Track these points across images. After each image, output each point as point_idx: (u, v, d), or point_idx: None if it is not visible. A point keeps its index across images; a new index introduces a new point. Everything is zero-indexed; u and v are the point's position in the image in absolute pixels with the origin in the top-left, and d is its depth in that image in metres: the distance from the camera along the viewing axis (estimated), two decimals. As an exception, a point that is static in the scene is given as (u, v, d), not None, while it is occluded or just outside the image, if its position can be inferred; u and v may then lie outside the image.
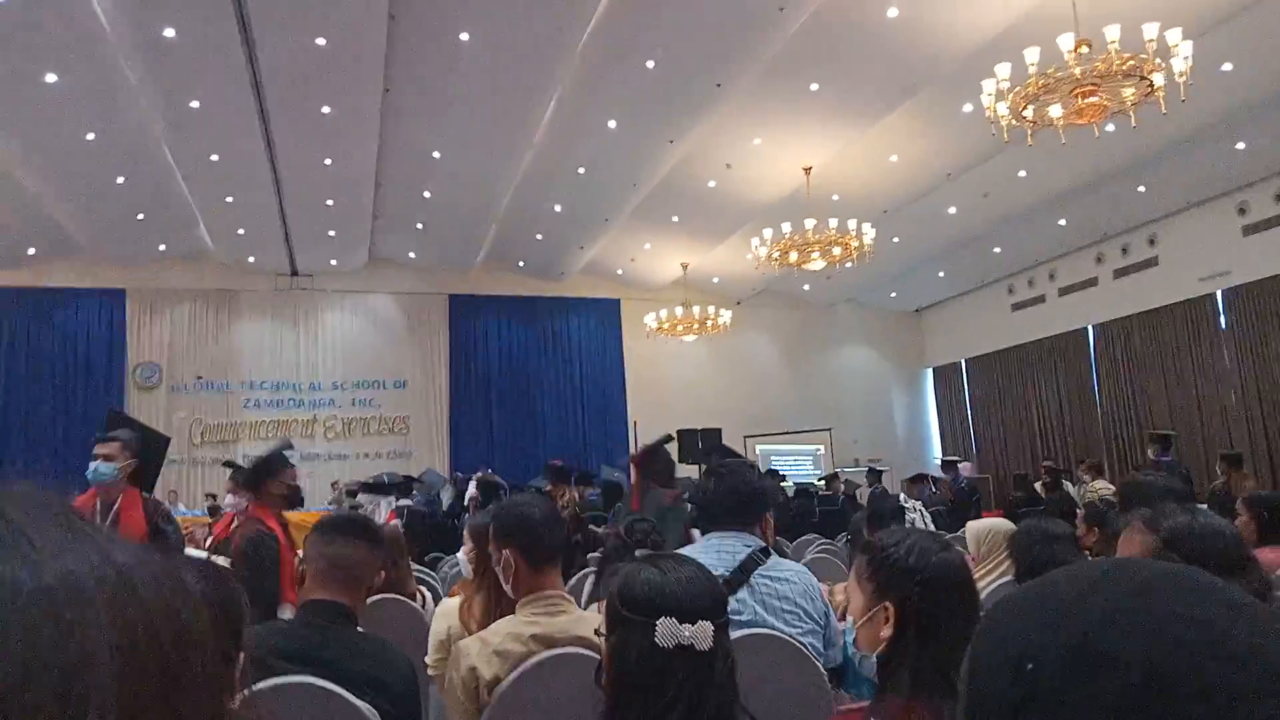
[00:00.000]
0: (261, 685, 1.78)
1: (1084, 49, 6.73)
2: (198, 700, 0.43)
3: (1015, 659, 0.50)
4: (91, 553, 0.42)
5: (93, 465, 3.88)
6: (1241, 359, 12.62)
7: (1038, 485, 10.07)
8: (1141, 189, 12.57)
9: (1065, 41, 6.74)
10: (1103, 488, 9.51)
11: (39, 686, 0.37)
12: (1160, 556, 1.74)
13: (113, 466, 3.87)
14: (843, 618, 2.32)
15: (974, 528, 3.44)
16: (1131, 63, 6.64)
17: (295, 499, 4.20)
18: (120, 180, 11.74)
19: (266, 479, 3.90)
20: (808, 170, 11.83)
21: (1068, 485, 10.11)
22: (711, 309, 15.32)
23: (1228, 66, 9.23)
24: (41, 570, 0.40)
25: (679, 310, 15.24)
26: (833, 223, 11.32)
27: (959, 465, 11.82)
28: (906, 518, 2.68)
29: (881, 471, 11.94)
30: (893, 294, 18.37)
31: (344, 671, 1.89)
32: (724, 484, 2.53)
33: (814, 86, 10.02)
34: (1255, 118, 10.44)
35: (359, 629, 2.07)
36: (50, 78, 9.19)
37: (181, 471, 15.09)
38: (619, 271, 16.96)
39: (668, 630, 1.27)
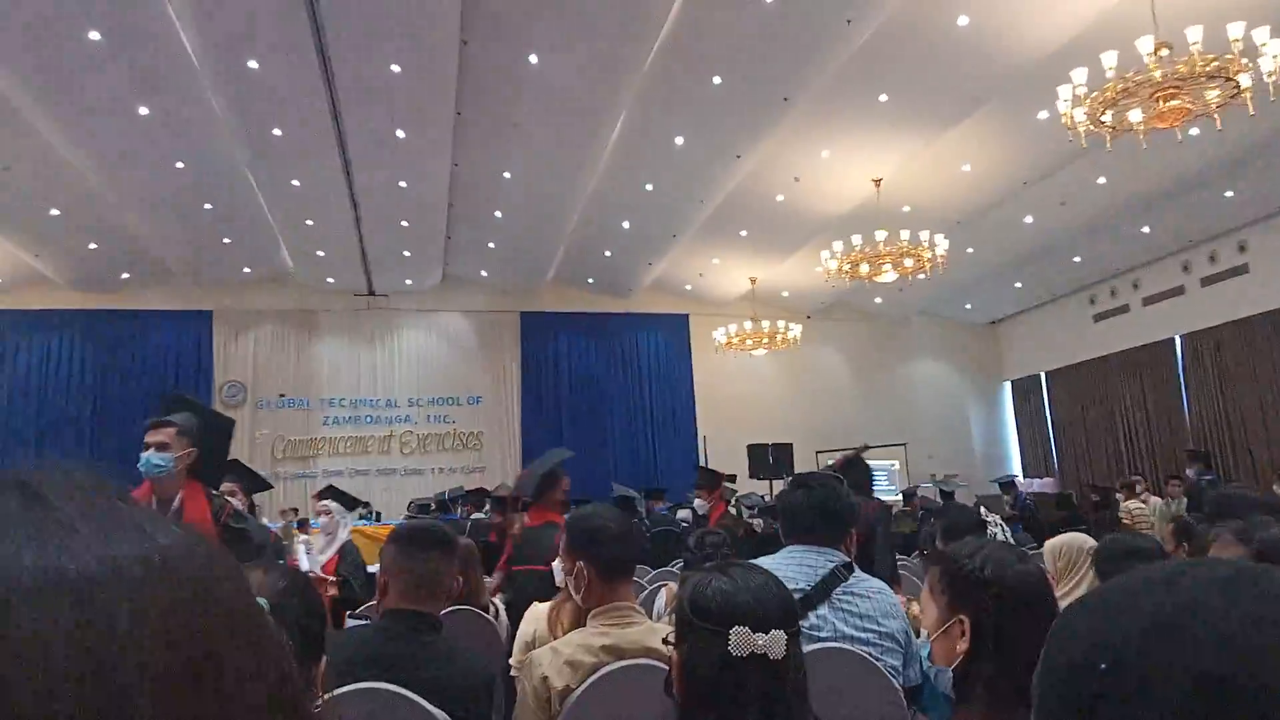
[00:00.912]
0: (341, 690, 1.83)
1: (1164, 51, 6.53)
2: (254, 701, 0.40)
3: (1088, 658, 0.49)
4: (138, 539, 0.39)
5: (144, 455, 3.23)
6: (1342, 369, 12.02)
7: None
8: (1229, 194, 12.09)
9: (1144, 44, 6.55)
10: (1136, 508, 9.21)
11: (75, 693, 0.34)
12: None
13: (167, 457, 3.21)
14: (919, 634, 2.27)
15: (1051, 543, 3.34)
16: (1216, 64, 6.42)
17: (567, 503, 4.46)
18: (208, 206, 12.24)
19: (551, 489, 4.35)
20: (877, 182, 11.69)
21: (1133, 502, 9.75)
22: (781, 323, 15.21)
23: (1321, 64, 8.83)
24: (79, 557, 0.37)
25: (748, 325, 15.17)
26: (904, 234, 11.15)
27: (1016, 481, 11.46)
28: (988, 531, 2.61)
29: (953, 491, 11.65)
30: (967, 306, 17.98)
31: (424, 679, 1.93)
32: (814, 496, 2.49)
33: (883, 97, 9.91)
34: (1352, 116, 9.96)
35: (442, 637, 2.11)
36: (143, 110, 9.64)
37: (265, 487, 15.52)
38: (687, 287, 16.97)
39: (742, 639, 1.27)
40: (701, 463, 16.64)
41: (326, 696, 1.24)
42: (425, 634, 2.05)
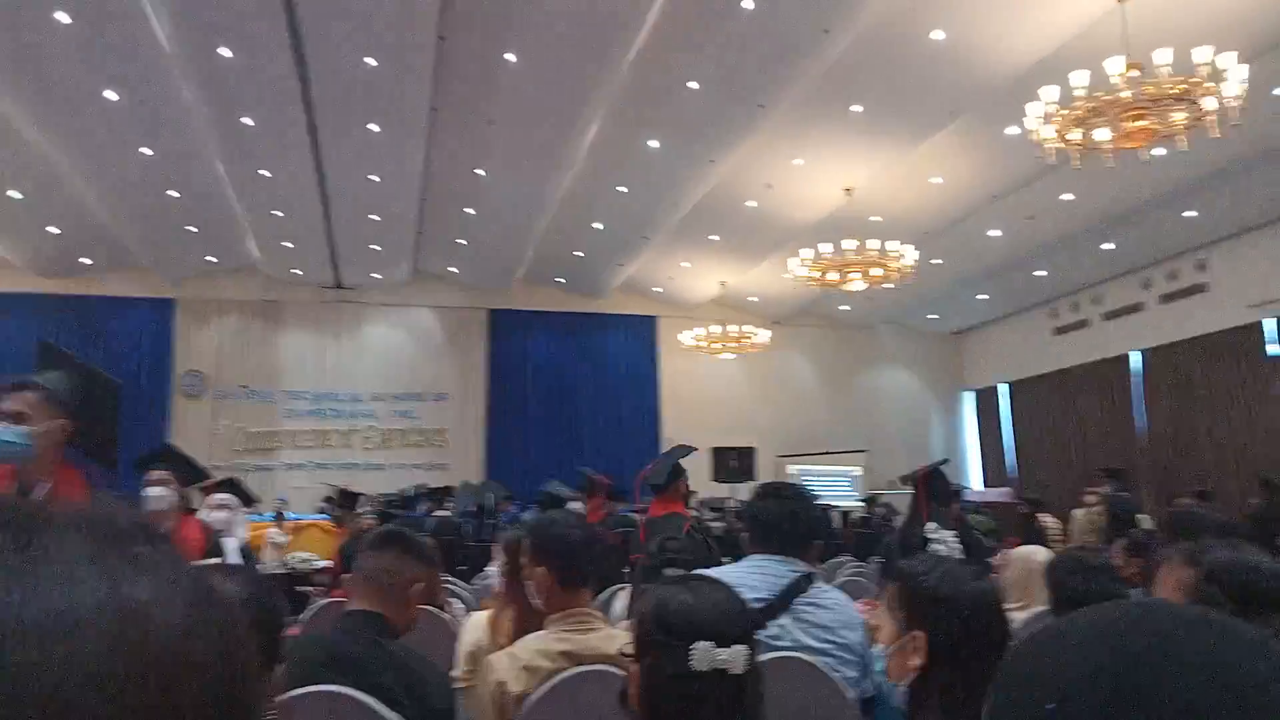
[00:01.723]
0: (296, 693, 1.81)
1: (1134, 72, 6.66)
2: None
3: (1036, 699, 0.50)
4: (101, 585, 0.36)
5: None
6: (1293, 389, 12.31)
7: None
8: (1191, 214, 12.34)
9: (1114, 65, 6.67)
10: (1052, 523, 9.44)
11: None
12: (1201, 590, 1.71)
13: (23, 431, 2.30)
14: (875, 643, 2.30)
15: (1011, 557, 3.40)
16: (1183, 86, 6.55)
17: (688, 496, 4.74)
18: (174, 194, 12.05)
19: (677, 480, 4.63)
20: (849, 191, 11.79)
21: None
22: (749, 328, 15.30)
23: (1281, 91, 9.05)
24: (20, 605, 0.34)
25: (716, 328, 15.24)
26: (873, 244, 11.26)
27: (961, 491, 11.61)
28: (931, 548, 2.65)
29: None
30: (932, 316, 18.19)
31: (379, 682, 1.92)
32: (786, 507, 2.50)
33: (857, 108, 10.00)
34: (1309, 143, 10.21)
35: (398, 641, 2.10)
36: (110, 95, 9.48)
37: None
38: (657, 289, 17.00)
39: (703, 654, 1.28)
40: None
41: (280, 699, 1.23)
42: (383, 637, 2.04)
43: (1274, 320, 12.60)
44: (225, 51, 8.55)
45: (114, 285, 15.22)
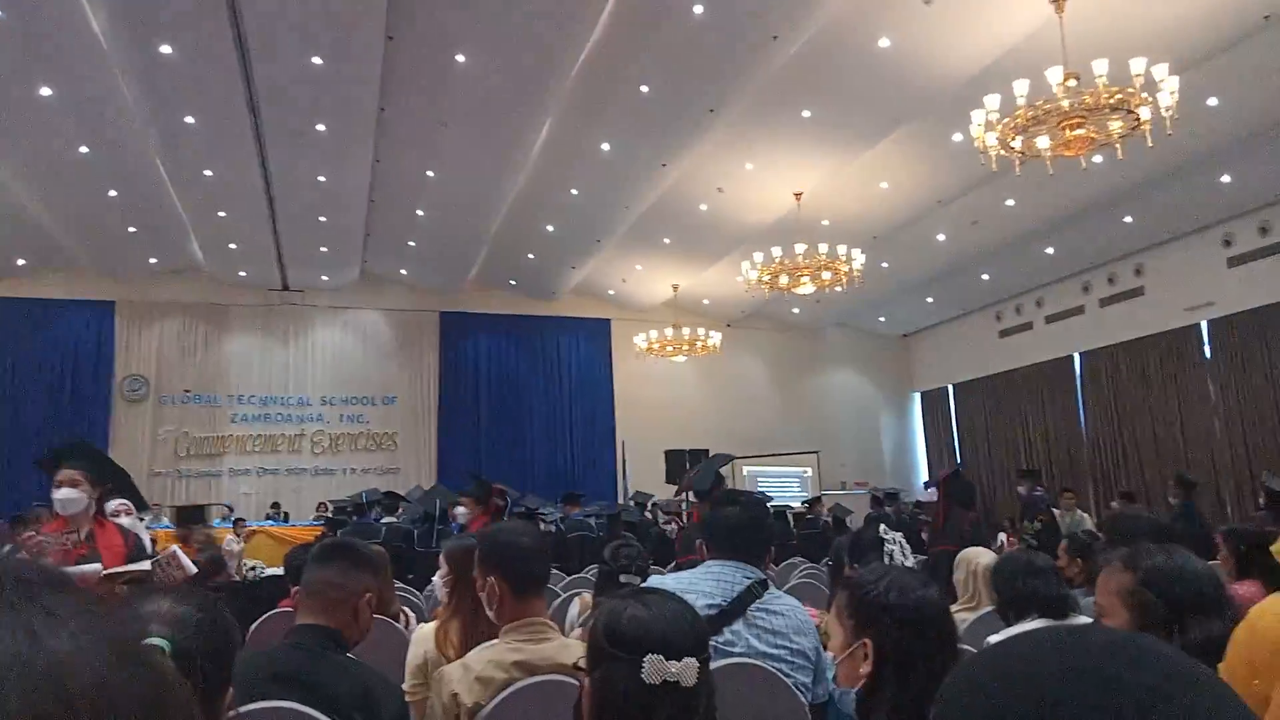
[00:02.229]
0: (247, 709, 1.78)
1: (1072, 82, 6.83)
2: None
3: None
4: (19, 638, 0.36)
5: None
6: (1225, 389, 12.73)
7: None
8: (1128, 219, 12.70)
9: (1054, 74, 6.84)
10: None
11: None
12: (1137, 595, 1.77)
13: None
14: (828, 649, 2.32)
15: (958, 559, 3.46)
16: (1119, 96, 6.74)
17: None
18: (113, 194, 11.74)
19: (718, 486, 4.79)
20: (799, 195, 11.92)
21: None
22: (701, 330, 15.38)
23: (1213, 101, 9.37)
24: None
25: (669, 331, 15.29)
26: (823, 248, 11.40)
27: (899, 493, 11.93)
28: (885, 549, 2.71)
29: (894, 493, 11.99)
30: (881, 319, 18.47)
31: (330, 697, 1.89)
32: (747, 514, 2.51)
33: (806, 113, 10.12)
34: (1240, 152, 10.58)
35: (349, 655, 2.07)
36: (45, 91, 9.21)
37: (167, 484, 15.01)
38: (610, 292, 17.01)
39: (655, 667, 1.28)
40: (619, 468, 16.71)
41: (230, 715, 1.21)
42: (333, 650, 2.01)
43: (1207, 323, 13.02)
44: (166, 49, 8.36)
45: (51, 287, 14.78)
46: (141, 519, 7.09)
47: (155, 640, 1.05)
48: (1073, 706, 0.49)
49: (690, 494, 6.05)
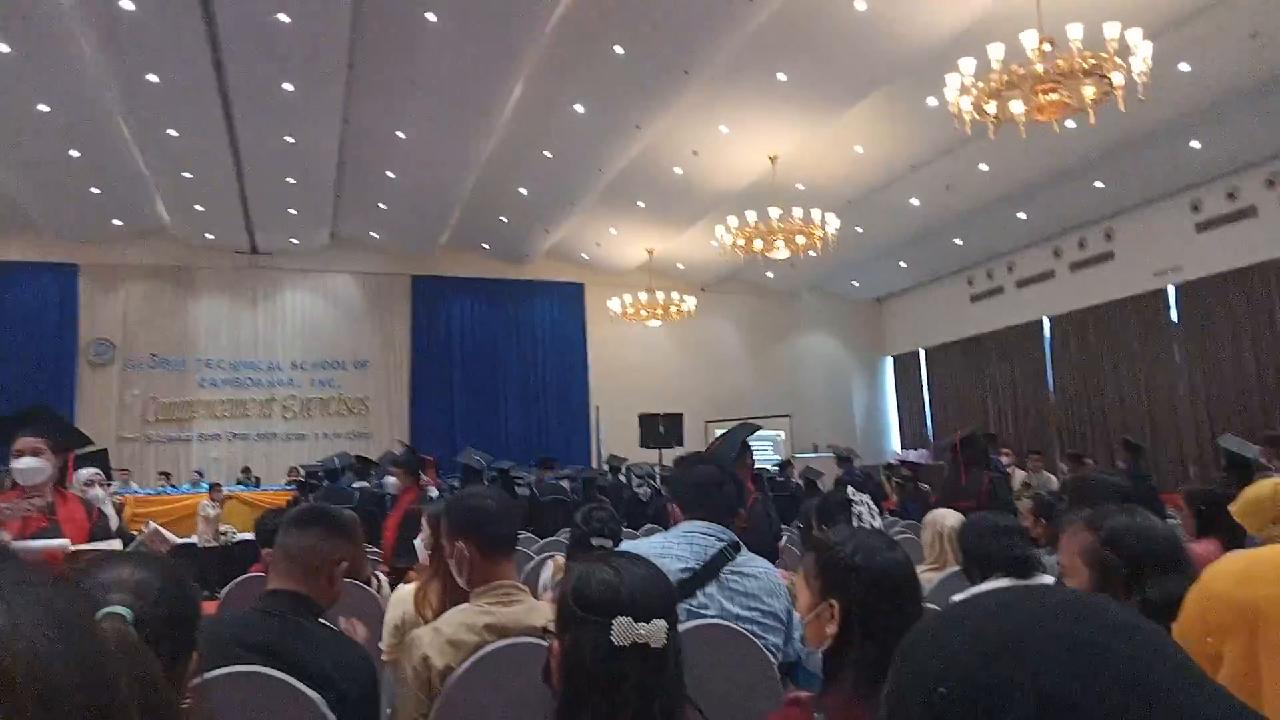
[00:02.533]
0: (216, 673, 1.78)
1: (1047, 46, 6.83)
2: None
3: (928, 681, 0.53)
4: None
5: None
6: (1191, 353, 12.93)
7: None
8: (1099, 185, 12.78)
9: (1029, 39, 6.83)
10: None
11: None
12: (1100, 556, 1.80)
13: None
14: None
15: (925, 520, 3.51)
16: (1093, 61, 6.75)
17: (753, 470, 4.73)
18: (74, 154, 11.48)
19: (743, 456, 4.58)
20: (773, 159, 11.88)
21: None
22: (676, 295, 15.37)
23: (1185, 67, 9.40)
24: None
25: (643, 295, 15.26)
26: (797, 212, 11.39)
27: (851, 455, 12.13)
28: (854, 510, 2.75)
29: (848, 457, 12.09)
30: (855, 283, 18.54)
31: (301, 663, 1.89)
32: (718, 475, 2.54)
33: (781, 76, 10.05)
34: (1210, 118, 10.65)
35: (321, 621, 2.07)
36: (2, 48, 8.94)
37: (135, 450, 14.87)
38: (584, 256, 16.92)
39: (624, 629, 1.29)
40: (593, 432, 16.75)
41: (195, 682, 1.20)
42: (304, 617, 2.00)
43: (1175, 288, 13.19)
44: (127, 4, 8.13)
45: (11, 249, 14.46)
46: (110, 484, 6.99)
47: (117, 609, 1.04)
48: (1017, 660, 0.51)
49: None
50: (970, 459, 6.13)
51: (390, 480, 7.52)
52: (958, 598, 2.05)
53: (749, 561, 2.44)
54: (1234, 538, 2.94)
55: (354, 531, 3.78)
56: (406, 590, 3.21)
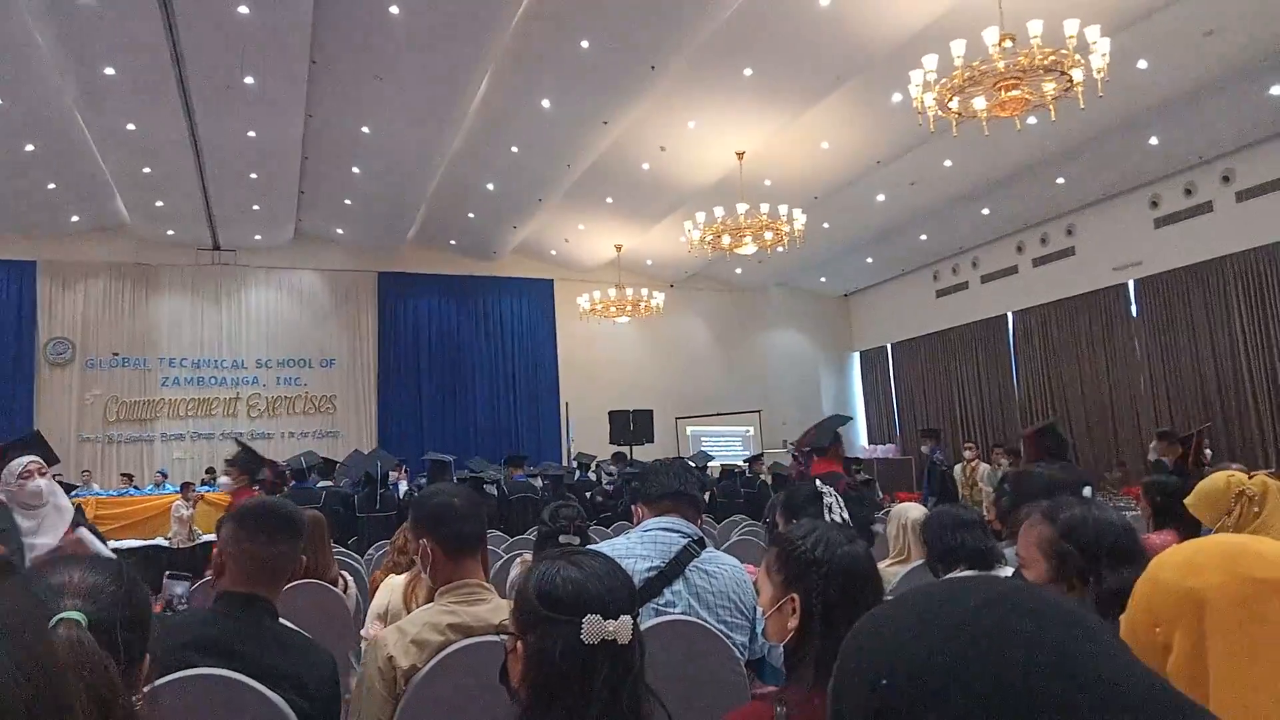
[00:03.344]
0: (174, 677, 1.75)
1: (1008, 43, 6.90)
2: None
3: (871, 673, 0.54)
4: None
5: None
6: (1151, 346, 13.16)
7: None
8: (1060, 181, 12.97)
9: (990, 35, 6.90)
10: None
11: None
12: (1058, 547, 1.83)
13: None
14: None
15: (890, 514, 3.54)
16: (1053, 58, 6.84)
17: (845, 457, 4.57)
18: (30, 148, 11.24)
19: (836, 443, 4.45)
20: (741, 155, 11.91)
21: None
22: (644, 291, 15.37)
23: (1142, 64, 9.56)
24: None
25: (612, 292, 15.25)
26: (764, 208, 11.43)
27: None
28: (824, 502, 2.76)
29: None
30: (822, 279, 18.65)
31: (262, 666, 1.87)
32: (677, 471, 2.57)
33: (747, 71, 10.07)
34: (1167, 114, 10.84)
35: (281, 621, 2.04)
36: (-49, 39, 8.74)
37: (96, 450, 14.62)
38: (552, 252, 16.88)
39: (593, 627, 1.29)
40: (564, 428, 16.73)
41: (148, 689, 1.18)
42: (263, 619, 1.98)
43: (1135, 282, 13.41)
44: (83, -4, 7.97)
45: (-35, 247, 14.15)
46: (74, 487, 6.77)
47: (71, 614, 1.02)
48: (957, 651, 0.52)
49: (798, 451, 6.40)
50: (1046, 453, 6.26)
51: (224, 480, 7.27)
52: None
53: (715, 558, 2.46)
54: (1190, 530, 3.00)
55: (317, 531, 3.75)
56: (398, 580, 3.24)
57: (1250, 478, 2.66)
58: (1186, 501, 2.68)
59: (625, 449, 14.13)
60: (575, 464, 11.72)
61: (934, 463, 11.22)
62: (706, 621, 2.32)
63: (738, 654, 2.29)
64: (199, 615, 2.07)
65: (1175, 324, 12.75)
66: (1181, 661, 0.87)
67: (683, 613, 2.33)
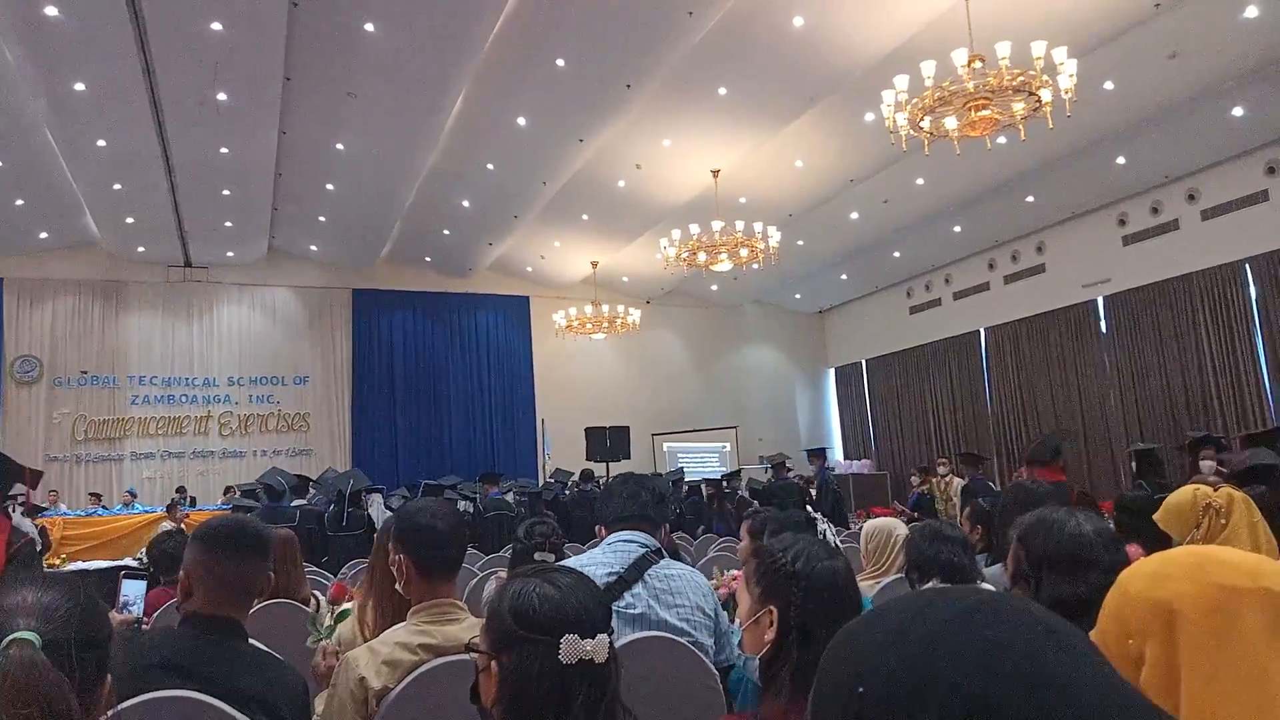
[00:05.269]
0: (140, 699, 1.72)
1: (977, 64, 7.01)
2: None
3: (849, 683, 0.54)
4: None
5: None
6: (1119, 362, 13.34)
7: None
8: (1031, 199, 13.15)
9: (960, 56, 7.00)
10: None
11: None
12: (1014, 550, 1.83)
13: None
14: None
15: (865, 528, 3.55)
16: (1021, 78, 6.95)
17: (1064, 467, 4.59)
18: (-3, 164, 11.10)
19: (1058, 455, 4.71)
20: (716, 173, 11.99)
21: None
22: (621, 308, 15.38)
23: (1109, 85, 9.73)
24: None
25: (588, 309, 15.26)
26: (740, 225, 11.50)
27: (785, 463, 12.36)
28: (819, 529, 2.76)
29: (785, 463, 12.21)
30: (797, 295, 18.76)
31: (231, 688, 1.83)
32: (647, 486, 2.63)
33: (722, 90, 10.15)
34: (1134, 134, 11.04)
35: (251, 642, 2.01)
36: (-83, 53, 8.63)
37: (64, 470, 14.37)
38: (528, 269, 16.86)
39: (571, 647, 1.27)
40: (539, 446, 16.67)
41: (112, 713, 1.15)
42: (232, 639, 1.94)
43: (1103, 299, 13.61)
44: (51, 10, 7.90)
45: (-71, 263, 13.92)
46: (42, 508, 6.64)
47: (23, 634, 0.99)
48: (933, 661, 0.53)
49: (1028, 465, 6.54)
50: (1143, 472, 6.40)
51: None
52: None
53: (672, 564, 2.54)
54: (1159, 544, 3.02)
55: (288, 550, 3.70)
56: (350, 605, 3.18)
57: (1216, 490, 2.69)
58: (1155, 516, 2.70)
59: (598, 466, 14.10)
60: (553, 479, 11.69)
61: (824, 480, 11.86)
62: (667, 621, 2.37)
63: (712, 668, 2.29)
64: (166, 636, 2.03)
65: (1143, 339, 12.94)
66: (1154, 672, 0.87)
67: (642, 613, 2.37)
